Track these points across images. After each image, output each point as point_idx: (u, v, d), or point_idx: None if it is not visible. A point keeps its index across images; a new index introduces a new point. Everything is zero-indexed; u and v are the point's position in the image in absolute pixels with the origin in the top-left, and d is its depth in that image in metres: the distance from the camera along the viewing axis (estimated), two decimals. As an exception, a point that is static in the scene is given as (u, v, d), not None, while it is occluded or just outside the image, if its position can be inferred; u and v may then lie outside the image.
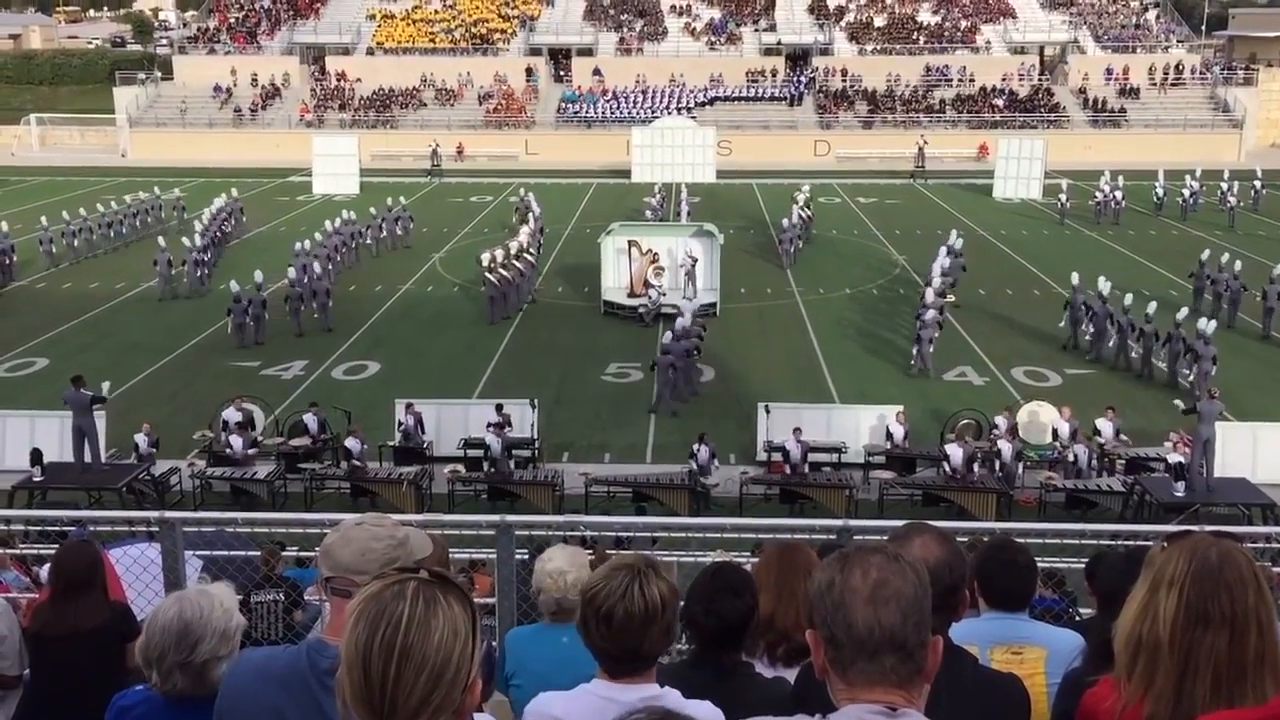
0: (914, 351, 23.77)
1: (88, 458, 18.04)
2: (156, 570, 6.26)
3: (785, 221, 35.52)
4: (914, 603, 2.11)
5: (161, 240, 32.19)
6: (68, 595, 5.19)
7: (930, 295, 25.31)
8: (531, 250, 30.99)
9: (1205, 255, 28.24)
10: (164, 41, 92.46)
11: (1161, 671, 2.13)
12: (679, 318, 23.44)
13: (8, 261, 32.16)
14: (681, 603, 3.07)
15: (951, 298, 27.02)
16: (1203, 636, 2.10)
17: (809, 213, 37.93)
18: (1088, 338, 24.83)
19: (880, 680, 2.10)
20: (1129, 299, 24.12)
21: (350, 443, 18.26)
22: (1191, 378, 21.62)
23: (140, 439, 18.59)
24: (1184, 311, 23.55)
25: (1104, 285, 24.84)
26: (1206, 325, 22.06)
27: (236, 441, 18.71)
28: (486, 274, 27.97)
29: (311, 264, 28.29)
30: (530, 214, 36.03)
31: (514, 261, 28.96)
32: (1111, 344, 24.17)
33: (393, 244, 37.14)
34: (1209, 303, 26.50)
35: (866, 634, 2.08)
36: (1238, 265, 27.02)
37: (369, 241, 36.50)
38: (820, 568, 2.21)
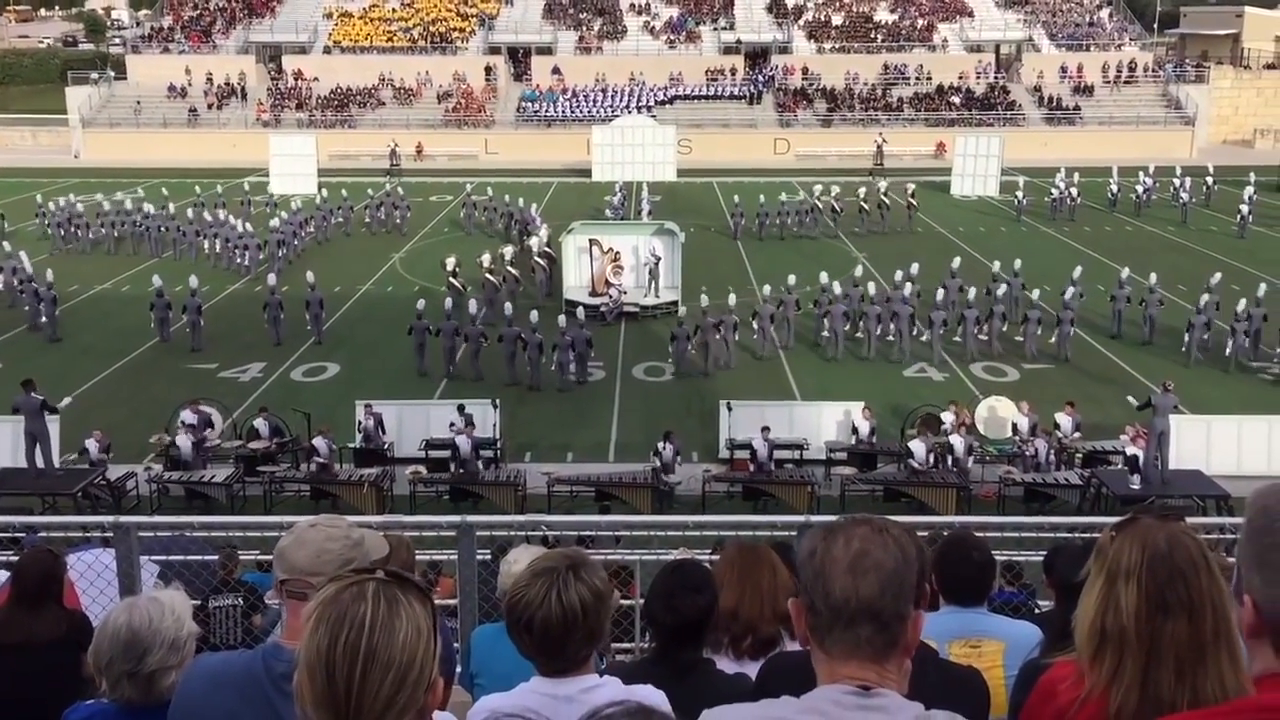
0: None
1: (40, 463, 17.75)
2: (111, 576, 6.17)
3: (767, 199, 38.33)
4: (893, 575, 2.09)
5: (249, 226, 34.27)
6: (25, 604, 5.10)
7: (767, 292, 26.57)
8: (550, 249, 30.86)
9: (1126, 274, 27.40)
10: (117, 41, 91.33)
11: (1130, 660, 2.18)
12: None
13: None
14: (642, 600, 3.07)
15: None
16: (1164, 624, 2.15)
17: (908, 200, 39.65)
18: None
19: (855, 652, 2.10)
20: (1037, 293, 26.23)
21: (318, 442, 18.12)
22: (1053, 339, 24.67)
23: (91, 444, 18.32)
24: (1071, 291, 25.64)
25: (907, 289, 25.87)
26: (1069, 296, 25.28)
27: (184, 442, 18.45)
28: (450, 278, 27.77)
29: (296, 269, 29.07)
30: (531, 217, 36.08)
31: (508, 267, 29.40)
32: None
33: (389, 228, 38.75)
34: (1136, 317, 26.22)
35: (843, 603, 2.08)
36: (1153, 277, 26.58)
37: (367, 220, 39.05)
38: (807, 537, 2.22)
